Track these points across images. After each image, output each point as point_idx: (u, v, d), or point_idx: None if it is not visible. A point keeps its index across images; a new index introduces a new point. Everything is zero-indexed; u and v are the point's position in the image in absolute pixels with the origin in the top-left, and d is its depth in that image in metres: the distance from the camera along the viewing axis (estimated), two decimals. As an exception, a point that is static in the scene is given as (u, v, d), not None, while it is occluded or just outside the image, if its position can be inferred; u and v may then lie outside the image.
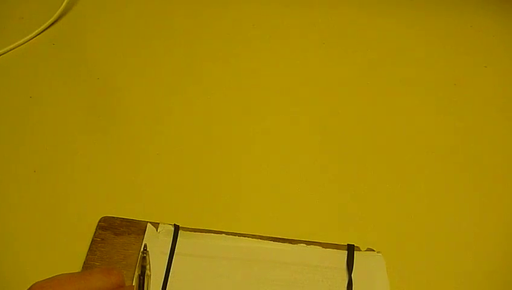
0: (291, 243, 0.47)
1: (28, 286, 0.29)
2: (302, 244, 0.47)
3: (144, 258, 0.36)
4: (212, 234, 0.47)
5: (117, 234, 0.46)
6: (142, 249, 0.37)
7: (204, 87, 0.64)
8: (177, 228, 0.47)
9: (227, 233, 0.47)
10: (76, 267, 0.44)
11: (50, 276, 0.30)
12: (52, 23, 0.69)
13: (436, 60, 0.71)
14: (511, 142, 0.61)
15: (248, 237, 0.47)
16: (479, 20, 0.78)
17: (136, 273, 0.41)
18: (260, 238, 0.47)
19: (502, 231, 0.51)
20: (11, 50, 0.65)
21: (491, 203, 0.54)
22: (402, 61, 0.71)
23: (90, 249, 0.45)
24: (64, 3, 0.69)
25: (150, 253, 0.37)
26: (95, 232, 0.47)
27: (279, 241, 0.47)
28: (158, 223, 0.47)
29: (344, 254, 0.46)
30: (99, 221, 0.47)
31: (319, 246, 0.47)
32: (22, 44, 0.66)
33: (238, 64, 0.67)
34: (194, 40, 0.70)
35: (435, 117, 0.63)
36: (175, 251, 0.45)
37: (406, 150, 0.59)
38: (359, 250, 0.46)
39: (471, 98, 0.66)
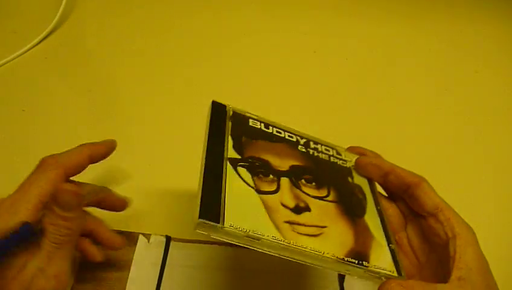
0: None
1: None
2: None
3: None
4: (204, 245, 0.47)
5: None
6: None
7: (197, 97, 0.64)
8: (168, 239, 0.47)
9: (219, 243, 0.47)
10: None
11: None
12: (45, 37, 0.69)
13: (427, 66, 0.72)
14: (502, 146, 0.61)
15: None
16: (470, 26, 0.78)
17: None
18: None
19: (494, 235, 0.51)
20: (4, 64, 0.65)
21: (486, 207, 0.54)
22: (393, 68, 0.71)
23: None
24: (56, 18, 0.70)
25: (141, 264, 0.42)
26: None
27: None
28: (150, 235, 0.47)
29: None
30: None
31: None
32: (15, 58, 0.66)
33: (229, 73, 0.68)
34: (186, 51, 0.70)
35: (426, 122, 0.64)
36: (166, 262, 0.46)
37: (398, 156, 0.59)
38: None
39: (463, 103, 0.66)
